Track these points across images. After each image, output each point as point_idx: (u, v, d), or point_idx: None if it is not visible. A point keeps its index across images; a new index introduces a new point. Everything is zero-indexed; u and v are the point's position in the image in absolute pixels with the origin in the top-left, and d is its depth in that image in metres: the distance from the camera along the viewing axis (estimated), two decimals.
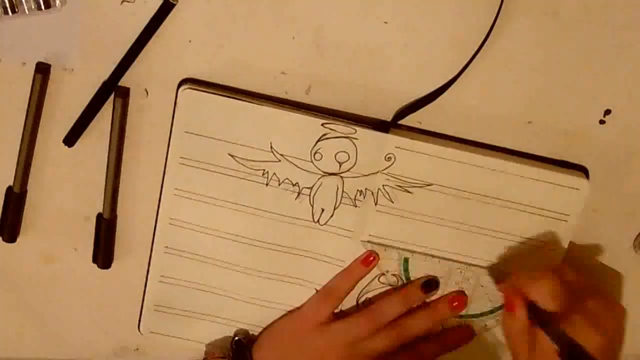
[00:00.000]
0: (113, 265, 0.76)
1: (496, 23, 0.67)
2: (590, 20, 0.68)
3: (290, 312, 0.76)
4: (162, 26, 0.67)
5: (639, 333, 0.79)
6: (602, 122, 0.71)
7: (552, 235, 0.73)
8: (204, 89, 0.69)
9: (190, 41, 0.68)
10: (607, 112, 0.71)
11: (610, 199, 0.74)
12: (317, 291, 0.75)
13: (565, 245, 0.73)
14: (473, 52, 0.68)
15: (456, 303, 0.75)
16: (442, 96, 0.69)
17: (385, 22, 0.68)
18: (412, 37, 0.68)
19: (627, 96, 0.70)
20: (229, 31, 0.68)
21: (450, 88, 0.69)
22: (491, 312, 0.76)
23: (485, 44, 0.68)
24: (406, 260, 0.74)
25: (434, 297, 0.75)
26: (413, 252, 0.73)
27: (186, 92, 0.69)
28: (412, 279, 0.75)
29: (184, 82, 0.69)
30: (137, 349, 0.80)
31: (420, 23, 0.68)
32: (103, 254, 0.75)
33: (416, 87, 0.70)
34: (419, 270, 0.74)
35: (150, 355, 0.81)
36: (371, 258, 0.73)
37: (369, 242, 0.73)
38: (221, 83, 0.69)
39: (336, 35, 0.68)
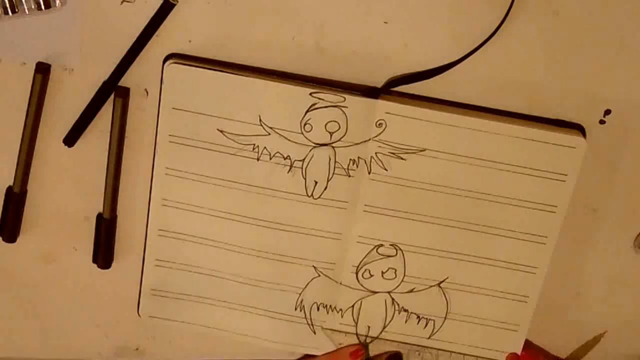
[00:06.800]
0: (113, 265, 0.76)
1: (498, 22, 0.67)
2: (590, 19, 0.68)
3: None
4: (162, 26, 0.67)
5: (639, 333, 0.80)
6: (602, 122, 0.71)
7: (550, 196, 0.72)
8: (189, 63, 0.68)
9: (190, 41, 0.68)
10: (607, 112, 0.71)
11: (610, 198, 0.74)
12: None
13: (566, 206, 0.72)
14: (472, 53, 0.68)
15: None
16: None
17: (385, 22, 0.68)
18: (412, 37, 0.68)
19: (627, 96, 0.70)
20: (229, 30, 0.68)
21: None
22: None
23: (487, 42, 0.68)
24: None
25: None
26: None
27: (172, 66, 0.68)
28: None
29: (169, 57, 0.69)
30: (137, 348, 0.80)
31: (420, 23, 0.68)
32: (103, 254, 0.75)
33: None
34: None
35: (150, 355, 0.81)
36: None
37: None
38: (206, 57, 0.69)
39: (336, 34, 0.68)
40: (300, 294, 0.76)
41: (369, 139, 0.71)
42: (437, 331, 0.77)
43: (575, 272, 0.77)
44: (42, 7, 0.66)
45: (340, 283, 0.76)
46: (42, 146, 0.71)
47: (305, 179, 0.72)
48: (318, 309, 0.77)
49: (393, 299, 0.76)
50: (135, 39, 0.67)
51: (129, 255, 0.76)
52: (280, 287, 0.76)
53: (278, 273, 0.75)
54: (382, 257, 0.75)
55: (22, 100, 0.69)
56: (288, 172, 0.72)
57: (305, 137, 0.71)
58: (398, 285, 0.76)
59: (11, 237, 0.74)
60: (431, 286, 0.76)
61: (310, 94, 0.69)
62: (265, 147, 0.71)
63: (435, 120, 0.70)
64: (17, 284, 0.77)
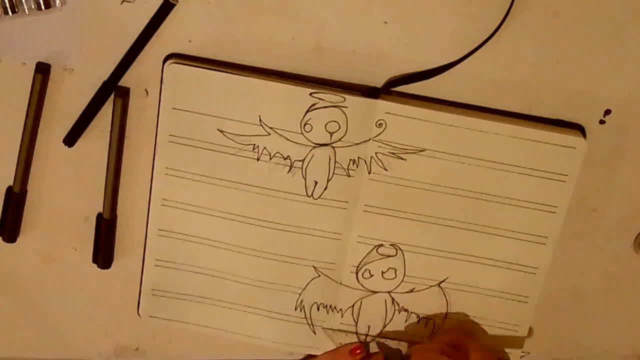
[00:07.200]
0: (113, 265, 0.76)
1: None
2: (590, 19, 0.68)
3: None
4: (162, 26, 0.67)
5: (639, 333, 0.80)
6: (602, 122, 0.71)
7: (550, 196, 0.72)
8: (189, 63, 0.68)
9: (190, 41, 0.68)
10: (607, 112, 0.71)
11: (610, 198, 0.74)
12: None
13: (566, 206, 0.73)
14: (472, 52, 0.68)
15: None
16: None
17: (385, 22, 0.68)
18: (412, 37, 0.68)
19: (627, 96, 0.70)
20: (229, 30, 0.68)
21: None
22: None
23: (487, 42, 0.68)
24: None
25: None
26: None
27: (172, 66, 0.68)
28: None
29: (169, 57, 0.69)
30: (137, 348, 0.80)
31: (420, 23, 0.68)
32: (103, 254, 0.75)
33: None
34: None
35: (150, 355, 0.81)
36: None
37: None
38: (206, 57, 0.69)
39: (336, 34, 0.68)
40: (300, 294, 0.76)
41: (369, 139, 0.71)
42: (437, 331, 0.77)
43: (575, 272, 0.77)
44: (42, 7, 0.66)
45: (340, 283, 0.76)
46: (42, 146, 0.71)
47: (305, 179, 0.72)
48: (318, 309, 0.77)
49: (393, 299, 0.76)
50: (135, 39, 0.67)
51: (129, 255, 0.76)
52: (280, 287, 0.76)
53: (278, 273, 0.75)
54: (382, 257, 0.75)
55: (22, 100, 0.69)
56: (288, 172, 0.72)
57: (305, 137, 0.71)
58: (398, 285, 0.76)
59: (11, 237, 0.74)
60: (431, 286, 0.76)
61: (310, 94, 0.69)
62: (265, 147, 0.71)
63: (435, 120, 0.70)
64: (17, 284, 0.77)
